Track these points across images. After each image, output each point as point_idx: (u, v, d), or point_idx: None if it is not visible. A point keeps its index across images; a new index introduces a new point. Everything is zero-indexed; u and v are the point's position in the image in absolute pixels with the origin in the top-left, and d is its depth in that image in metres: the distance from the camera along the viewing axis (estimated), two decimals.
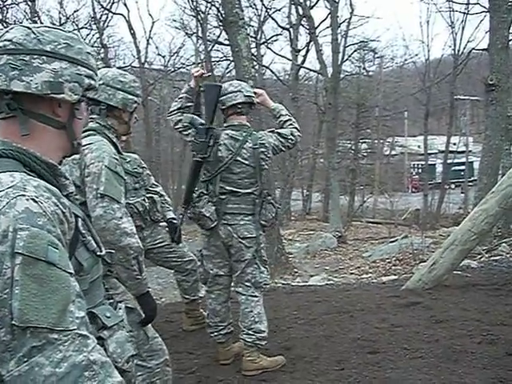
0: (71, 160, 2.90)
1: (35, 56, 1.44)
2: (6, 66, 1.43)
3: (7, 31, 1.49)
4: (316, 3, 25.48)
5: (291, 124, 4.40)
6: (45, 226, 1.28)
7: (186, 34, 29.23)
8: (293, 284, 9.10)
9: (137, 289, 2.78)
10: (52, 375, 1.18)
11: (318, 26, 24.95)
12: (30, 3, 23.71)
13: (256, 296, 4.28)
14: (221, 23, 20.92)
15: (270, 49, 29.46)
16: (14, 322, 1.18)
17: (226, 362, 4.41)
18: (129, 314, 2.19)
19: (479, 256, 9.14)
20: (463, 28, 25.85)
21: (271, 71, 29.45)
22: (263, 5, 27.63)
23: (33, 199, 1.30)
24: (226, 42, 21.38)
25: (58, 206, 1.37)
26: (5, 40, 1.45)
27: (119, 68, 27.70)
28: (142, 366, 2.75)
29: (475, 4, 21.87)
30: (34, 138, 1.50)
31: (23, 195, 1.30)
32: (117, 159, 2.88)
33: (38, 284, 1.22)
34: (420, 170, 37.33)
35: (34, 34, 1.47)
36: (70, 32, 1.56)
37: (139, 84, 3.19)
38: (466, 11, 23.72)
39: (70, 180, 1.62)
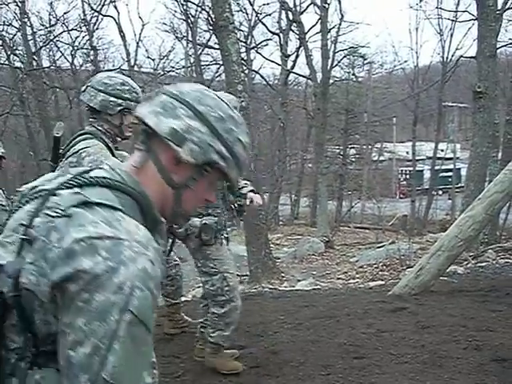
0: (68, 163, 2.90)
1: (184, 107, 1.46)
2: (160, 103, 1.46)
3: (187, 85, 1.55)
4: (306, 9, 25.61)
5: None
6: (153, 290, 1.28)
7: (176, 37, 29.29)
8: (280, 288, 9.10)
9: None
10: None
11: (308, 31, 25.06)
12: (19, 4, 23.66)
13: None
14: (211, 27, 20.91)
15: (259, 53, 29.61)
16: (104, 376, 1.18)
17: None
18: None
19: (465, 262, 9.18)
20: (452, 35, 26.03)
21: (261, 76, 29.50)
22: (253, 9, 27.72)
23: (151, 261, 1.28)
24: (216, 46, 21.40)
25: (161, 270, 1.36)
26: (177, 87, 1.51)
27: (108, 70, 27.72)
28: None
29: (464, 12, 22.14)
30: (144, 178, 1.47)
31: (145, 254, 1.28)
32: None
33: (135, 346, 1.23)
34: (408, 176, 37.44)
35: (199, 93, 1.51)
36: (233, 113, 1.54)
37: (130, 87, 3.15)
38: (455, 19, 24.00)
39: (164, 242, 1.56)
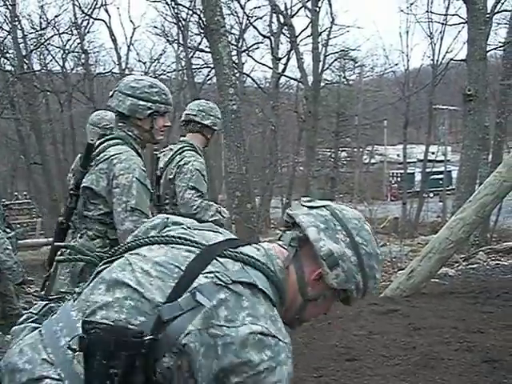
0: (98, 170, 2.83)
1: (344, 233, 1.54)
2: (322, 217, 1.56)
3: (351, 217, 1.61)
4: (297, 12, 25.65)
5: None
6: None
7: (167, 40, 29.26)
8: None
9: None
10: None
11: (299, 34, 25.13)
12: (10, 7, 23.55)
13: None
14: (202, 30, 20.99)
15: (250, 57, 29.57)
16: None
17: None
18: None
19: (457, 264, 9.22)
20: (442, 39, 25.96)
21: (252, 79, 29.52)
22: (244, 13, 27.73)
23: (291, 362, 1.43)
24: (207, 50, 21.44)
25: None
26: (344, 213, 1.60)
27: (99, 74, 27.68)
28: None
29: (454, 15, 22.22)
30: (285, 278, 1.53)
31: (290, 357, 1.42)
32: (145, 171, 2.84)
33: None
34: (399, 179, 37.54)
35: (360, 228, 1.60)
36: (379, 249, 1.63)
37: (159, 89, 2.99)
38: (445, 22, 24.03)
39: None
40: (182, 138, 4.34)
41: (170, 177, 4.08)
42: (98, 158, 2.88)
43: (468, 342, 4.61)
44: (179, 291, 1.32)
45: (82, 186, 2.89)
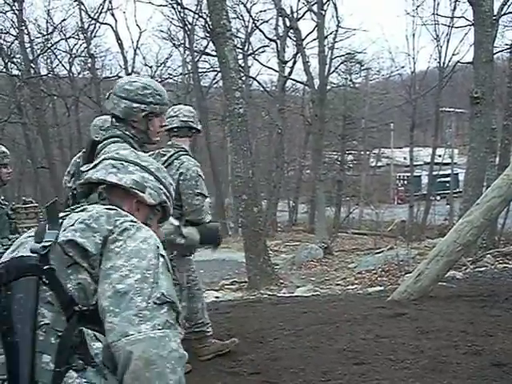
0: None
1: (132, 164, 1.88)
2: (109, 165, 1.86)
3: (121, 150, 2.09)
4: (303, 15, 25.68)
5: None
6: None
7: (174, 44, 29.35)
8: (279, 295, 9.09)
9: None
10: (175, 351, 1.46)
11: (305, 37, 25.16)
12: (17, 12, 23.68)
13: None
14: (208, 34, 21.02)
15: (257, 60, 29.65)
16: (160, 293, 1.51)
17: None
18: None
19: (464, 267, 9.18)
20: (448, 41, 25.93)
21: (258, 82, 29.58)
22: (250, 16, 27.82)
23: (154, 237, 1.72)
24: (213, 53, 21.44)
25: None
26: (113, 152, 1.99)
27: (106, 78, 27.75)
28: None
29: (460, 17, 22.17)
30: None
31: (149, 231, 1.72)
32: None
33: (168, 278, 1.60)
34: (406, 182, 37.45)
35: (138, 155, 1.95)
36: (159, 164, 2.02)
37: (152, 90, 2.97)
38: (451, 24, 24.01)
39: None
40: (170, 143, 4.36)
41: None
42: (98, 155, 2.86)
43: (476, 346, 4.59)
44: None
45: None
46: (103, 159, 1.90)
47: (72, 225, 1.60)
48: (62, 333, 1.46)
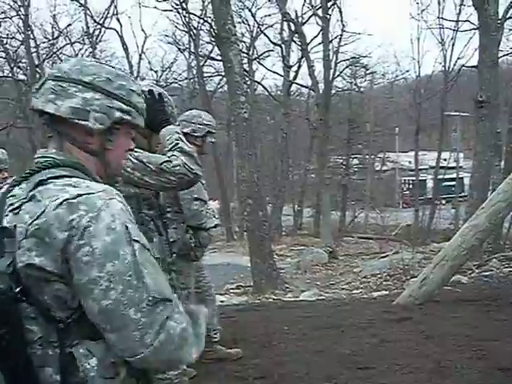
0: None
1: (72, 84, 1.56)
2: (48, 90, 1.56)
3: (64, 62, 1.69)
4: (308, 20, 25.72)
5: None
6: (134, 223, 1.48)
7: (179, 49, 29.41)
8: (284, 299, 9.09)
9: None
10: (183, 331, 1.41)
11: (310, 42, 25.18)
12: (23, 17, 23.76)
13: None
14: (213, 39, 21.00)
15: (261, 64, 29.69)
16: (152, 296, 1.37)
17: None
18: None
19: (469, 271, 9.16)
20: (453, 45, 25.88)
21: (263, 87, 29.62)
22: (255, 21, 27.87)
23: (121, 202, 1.47)
24: (219, 58, 21.47)
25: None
26: (56, 68, 1.63)
27: None
28: (162, 378, 2.74)
29: (465, 21, 22.15)
30: (70, 157, 1.60)
31: (115, 198, 1.45)
32: None
33: (153, 266, 1.42)
34: (411, 186, 37.40)
35: (80, 65, 1.61)
36: (118, 69, 1.68)
37: (167, 100, 2.95)
38: (456, 28, 23.96)
39: None
40: None
41: None
42: None
43: (481, 350, 4.59)
44: None
45: None
46: (46, 79, 1.60)
47: (25, 237, 1.37)
48: (57, 343, 1.40)
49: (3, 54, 24.31)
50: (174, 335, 1.39)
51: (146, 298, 1.35)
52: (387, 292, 9.03)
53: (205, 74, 28.19)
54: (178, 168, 2.68)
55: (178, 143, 2.80)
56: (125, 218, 1.42)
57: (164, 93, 2.99)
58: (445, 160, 30.32)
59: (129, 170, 2.69)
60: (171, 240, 4.17)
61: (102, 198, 1.42)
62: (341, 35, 25.36)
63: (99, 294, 1.34)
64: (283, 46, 27.57)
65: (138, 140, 2.92)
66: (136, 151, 2.68)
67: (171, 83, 29.94)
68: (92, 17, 26.58)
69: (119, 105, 1.61)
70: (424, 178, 34.66)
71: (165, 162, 2.69)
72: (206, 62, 27.92)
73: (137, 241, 1.40)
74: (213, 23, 18.53)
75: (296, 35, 25.58)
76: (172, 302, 1.41)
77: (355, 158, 31.05)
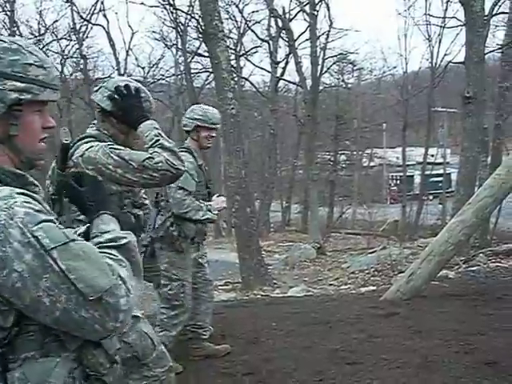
0: None
1: None
2: None
3: None
4: (295, 16, 25.74)
5: None
6: (46, 217, 1.35)
7: (166, 45, 29.29)
8: (272, 295, 9.10)
9: None
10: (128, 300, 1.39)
11: (297, 38, 25.18)
12: (8, 13, 23.60)
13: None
14: (200, 35, 20.94)
15: (249, 61, 29.66)
16: (90, 298, 1.32)
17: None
18: (135, 322, 2.62)
19: (456, 266, 9.20)
20: (440, 41, 26.01)
21: (250, 83, 29.59)
22: (243, 17, 27.84)
23: (25, 202, 1.33)
24: (206, 54, 21.41)
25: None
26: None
27: (98, 79, 27.69)
28: (148, 375, 2.72)
29: (451, 18, 22.19)
30: None
31: (16, 201, 1.32)
32: None
33: (78, 259, 1.33)
34: (398, 182, 37.52)
35: None
36: (9, 42, 1.48)
37: (145, 95, 2.92)
38: (443, 25, 24.05)
39: (39, 187, 1.59)
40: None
41: None
42: (72, 157, 2.71)
43: (469, 345, 4.61)
44: None
45: None
46: None
47: None
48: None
49: None
50: (130, 308, 1.40)
51: (86, 297, 1.31)
52: (375, 287, 9.06)
53: (192, 71, 28.09)
54: (160, 164, 2.62)
55: (158, 139, 2.72)
56: (33, 223, 1.30)
57: (141, 88, 2.93)
58: (432, 156, 30.49)
59: (111, 167, 2.62)
60: (156, 226, 4.28)
61: (2, 208, 1.30)
62: (328, 31, 25.40)
63: (47, 309, 1.30)
64: (271, 42, 27.58)
65: (115, 136, 2.94)
66: (117, 148, 2.65)
67: (158, 80, 29.86)
68: (78, 13, 26.44)
69: (13, 84, 1.43)
70: (411, 174, 34.80)
71: (147, 158, 2.62)
72: (193, 58, 27.82)
73: (53, 248, 1.30)
74: (200, 19, 18.47)
75: (283, 31, 25.59)
76: (111, 283, 1.35)
77: (343, 154, 31.11)
